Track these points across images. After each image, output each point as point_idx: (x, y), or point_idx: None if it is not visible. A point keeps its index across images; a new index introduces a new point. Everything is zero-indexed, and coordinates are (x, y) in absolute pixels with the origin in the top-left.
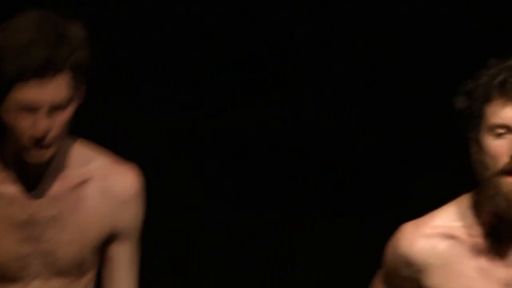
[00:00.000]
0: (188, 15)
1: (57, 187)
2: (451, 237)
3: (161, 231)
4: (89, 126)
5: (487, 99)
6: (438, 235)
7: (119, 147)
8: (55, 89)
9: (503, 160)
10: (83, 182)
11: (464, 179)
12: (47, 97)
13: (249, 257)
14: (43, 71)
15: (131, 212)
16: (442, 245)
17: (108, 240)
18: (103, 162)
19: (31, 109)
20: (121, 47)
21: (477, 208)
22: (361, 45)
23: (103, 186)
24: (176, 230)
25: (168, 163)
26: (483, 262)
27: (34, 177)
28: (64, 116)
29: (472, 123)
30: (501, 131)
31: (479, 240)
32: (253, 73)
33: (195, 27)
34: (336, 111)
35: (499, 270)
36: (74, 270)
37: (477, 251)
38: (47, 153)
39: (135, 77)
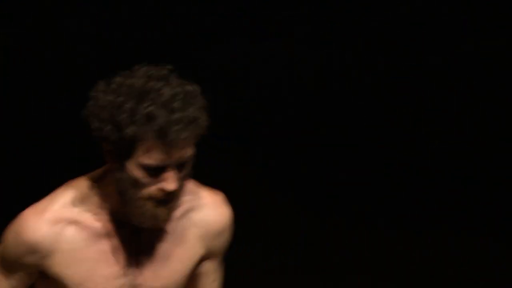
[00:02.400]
0: (188, 15)
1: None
2: (74, 222)
3: None
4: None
5: (140, 138)
6: (62, 220)
7: None
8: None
9: (150, 190)
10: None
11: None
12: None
13: (249, 256)
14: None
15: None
16: (66, 231)
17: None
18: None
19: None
20: (121, 47)
21: (102, 195)
22: (361, 45)
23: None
24: None
25: None
26: (106, 246)
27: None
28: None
29: (119, 152)
30: (151, 171)
31: (103, 224)
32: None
33: (195, 27)
34: (335, 110)
35: (122, 253)
36: None
37: (101, 235)
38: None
39: None
